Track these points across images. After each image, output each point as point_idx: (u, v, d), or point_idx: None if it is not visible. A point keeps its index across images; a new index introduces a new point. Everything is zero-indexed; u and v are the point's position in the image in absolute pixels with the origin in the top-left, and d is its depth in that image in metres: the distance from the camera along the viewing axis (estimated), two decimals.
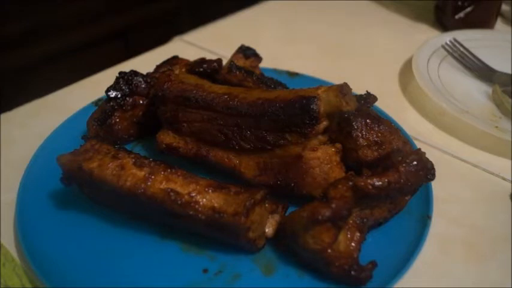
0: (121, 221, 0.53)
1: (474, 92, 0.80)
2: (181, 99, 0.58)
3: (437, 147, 0.69)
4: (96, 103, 0.69)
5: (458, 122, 0.70)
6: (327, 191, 0.47)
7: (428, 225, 0.52)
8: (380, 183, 0.46)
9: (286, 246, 0.49)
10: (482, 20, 1.00)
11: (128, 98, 0.62)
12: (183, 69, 0.67)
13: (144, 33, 1.54)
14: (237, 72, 0.64)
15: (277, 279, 0.48)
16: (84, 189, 0.53)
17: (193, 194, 0.48)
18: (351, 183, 0.46)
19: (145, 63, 0.76)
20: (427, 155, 0.50)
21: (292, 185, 0.53)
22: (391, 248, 0.50)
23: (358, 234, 0.48)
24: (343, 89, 0.54)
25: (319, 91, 0.53)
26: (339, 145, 0.53)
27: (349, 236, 0.48)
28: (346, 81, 0.55)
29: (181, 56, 0.70)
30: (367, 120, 0.52)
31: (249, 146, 0.55)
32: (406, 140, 0.54)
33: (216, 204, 0.47)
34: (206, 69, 0.66)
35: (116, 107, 0.61)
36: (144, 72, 0.65)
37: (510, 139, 0.66)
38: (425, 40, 0.90)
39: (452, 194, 0.60)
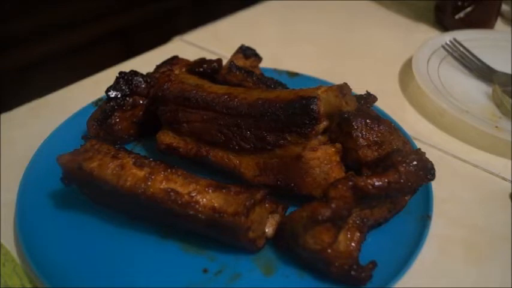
0: (121, 221, 0.53)
1: (474, 92, 0.80)
2: (181, 99, 0.58)
3: (437, 147, 0.69)
4: (96, 103, 0.69)
5: (458, 122, 0.70)
6: (327, 191, 0.47)
7: (428, 225, 0.51)
8: (380, 183, 0.46)
9: (286, 246, 0.49)
10: (482, 20, 1.00)
11: (128, 98, 0.62)
12: (183, 69, 0.67)
13: (144, 33, 1.54)
14: (237, 72, 0.63)
15: (277, 279, 0.48)
16: (84, 190, 0.53)
17: (194, 194, 0.48)
18: (351, 183, 0.46)
19: (145, 63, 0.76)
20: (427, 155, 0.50)
21: (292, 185, 0.53)
22: (391, 248, 0.50)
23: (358, 234, 0.48)
24: (343, 89, 0.54)
25: (319, 91, 0.53)
26: (339, 145, 0.53)
27: (349, 236, 0.48)
28: (346, 81, 0.55)
29: (181, 56, 0.70)
30: (367, 120, 0.52)
31: (249, 146, 0.55)
32: (406, 140, 0.54)
33: (216, 204, 0.47)
34: (206, 69, 0.66)
35: (116, 107, 0.61)
36: (144, 72, 0.65)
37: (510, 139, 0.66)
38: (425, 40, 0.90)
39: (452, 194, 0.60)
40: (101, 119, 0.61)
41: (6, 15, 1.25)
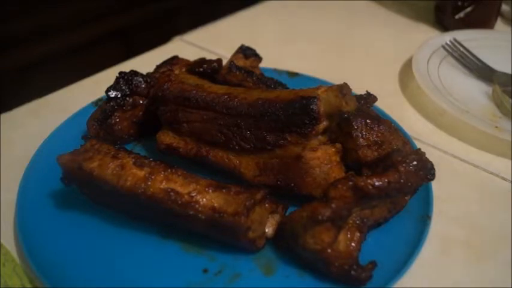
0: (121, 221, 0.53)
1: (474, 92, 0.80)
2: (181, 100, 0.58)
3: (437, 147, 0.69)
4: (96, 103, 0.69)
5: (458, 122, 0.70)
6: (327, 191, 0.47)
7: (428, 225, 0.52)
8: (380, 183, 0.46)
9: (286, 246, 0.49)
10: (482, 20, 1.00)
11: (128, 98, 0.62)
12: (183, 69, 0.67)
13: (144, 33, 1.54)
14: (237, 72, 0.63)
15: (277, 279, 0.48)
16: (84, 190, 0.53)
17: (194, 194, 0.48)
18: (351, 183, 0.46)
19: (145, 63, 0.76)
20: (427, 155, 0.50)
21: (292, 185, 0.53)
22: (391, 248, 0.50)
23: (358, 234, 0.48)
24: (343, 89, 0.54)
25: (319, 91, 0.53)
26: (339, 145, 0.53)
27: (349, 236, 0.48)
28: (346, 81, 0.55)
29: (181, 56, 0.70)
30: (367, 120, 0.52)
31: (249, 146, 0.55)
32: (406, 140, 0.54)
33: (216, 204, 0.47)
34: (206, 69, 0.66)
35: (116, 107, 0.61)
36: (144, 72, 0.65)
37: (510, 139, 0.66)
38: (425, 40, 0.90)
39: (452, 194, 0.60)
40: (101, 119, 0.61)
41: (6, 15, 1.25)
